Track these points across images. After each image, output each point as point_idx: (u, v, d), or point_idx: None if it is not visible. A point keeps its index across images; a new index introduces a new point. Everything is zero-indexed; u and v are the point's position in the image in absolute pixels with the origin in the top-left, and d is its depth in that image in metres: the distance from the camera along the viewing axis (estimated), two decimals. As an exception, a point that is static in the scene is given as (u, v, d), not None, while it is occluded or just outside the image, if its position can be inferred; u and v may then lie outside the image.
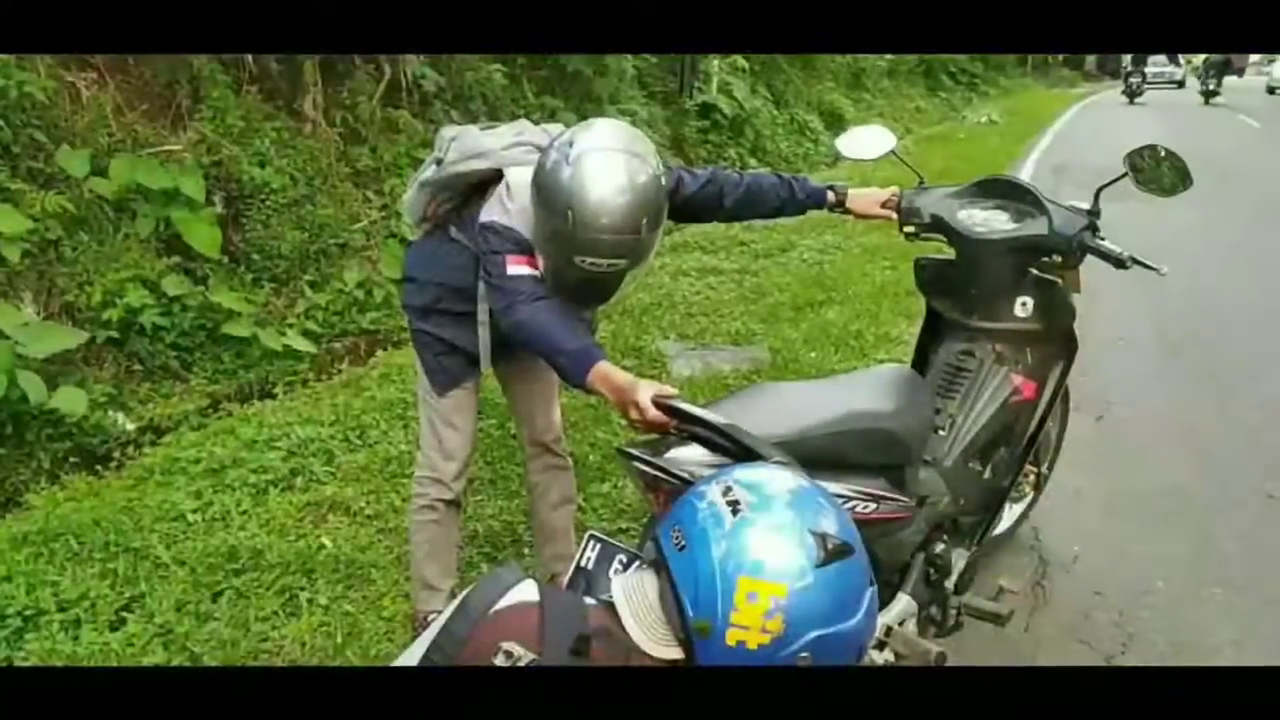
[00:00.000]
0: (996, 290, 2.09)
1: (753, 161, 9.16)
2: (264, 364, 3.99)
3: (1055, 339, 2.14)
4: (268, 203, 4.48)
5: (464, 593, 1.04)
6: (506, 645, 0.94)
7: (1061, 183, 8.39)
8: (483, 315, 1.93)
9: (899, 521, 1.81)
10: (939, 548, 1.98)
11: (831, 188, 2.13)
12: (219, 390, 3.78)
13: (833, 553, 0.98)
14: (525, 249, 1.72)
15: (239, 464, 3.04)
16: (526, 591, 1.02)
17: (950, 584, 1.98)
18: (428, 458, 2.11)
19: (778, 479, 1.06)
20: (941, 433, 2.04)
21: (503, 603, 1.01)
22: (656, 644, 1.00)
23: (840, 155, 2.61)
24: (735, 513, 0.99)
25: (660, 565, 1.02)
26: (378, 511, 2.80)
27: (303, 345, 4.12)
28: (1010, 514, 2.57)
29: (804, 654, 0.96)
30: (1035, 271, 2.05)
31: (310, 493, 2.91)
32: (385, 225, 5.06)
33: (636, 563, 1.14)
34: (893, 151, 2.26)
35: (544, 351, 1.66)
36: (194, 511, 2.76)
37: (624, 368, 1.62)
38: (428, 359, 2.05)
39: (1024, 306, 2.08)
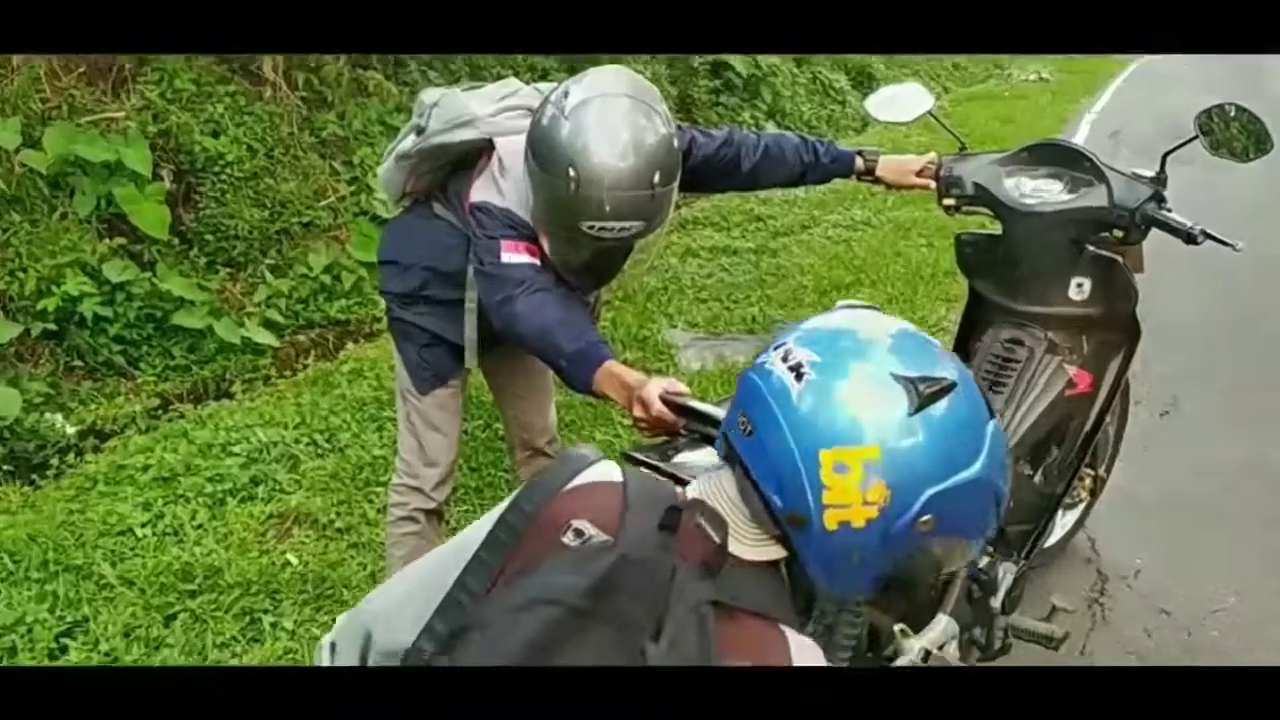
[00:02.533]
0: (1049, 270, 2.08)
1: (770, 126, 9.14)
2: (220, 359, 3.99)
3: (1115, 325, 2.13)
4: (223, 177, 4.48)
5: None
6: (578, 523, 0.93)
7: (1121, 147, 8.36)
8: (471, 303, 1.93)
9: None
10: (984, 561, 1.98)
11: (860, 153, 2.13)
12: (169, 389, 3.79)
13: (928, 395, 0.92)
14: (522, 232, 1.72)
15: (193, 471, 3.05)
16: (607, 471, 1.01)
17: (996, 602, 1.97)
18: (406, 463, 2.12)
19: (844, 325, 1.00)
20: (986, 431, 2.04)
21: (579, 480, 0.99)
22: (750, 547, 0.98)
23: (870, 118, 2.60)
24: (800, 378, 0.94)
25: (734, 459, 1.00)
26: (349, 524, 2.81)
27: (263, 338, 4.13)
28: (1064, 522, 2.57)
29: (925, 518, 0.92)
30: (1093, 248, 2.05)
31: (273, 503, 2.92)
32: (355, 202, 5.06)
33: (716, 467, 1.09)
34: (929, 113, 2.26)
35: (542, 352, 1.66)
36: (143, 525, 2.77)
37: (625, 362, 1.63)
38: (409, 352, 2.05)
39: (1080, 288, 2.08)
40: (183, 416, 3.53)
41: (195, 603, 2.45)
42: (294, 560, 2.63)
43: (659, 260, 5.17)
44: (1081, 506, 2.64)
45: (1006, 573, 2.02)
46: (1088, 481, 2.57)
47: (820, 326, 1.01)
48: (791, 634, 0.93)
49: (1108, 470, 2.66)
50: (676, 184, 1.68)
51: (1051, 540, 2.47)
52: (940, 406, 0.92)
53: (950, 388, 0.93)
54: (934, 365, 0.95)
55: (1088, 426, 2.19)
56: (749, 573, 0.97)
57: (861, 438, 0.91)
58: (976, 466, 0.94)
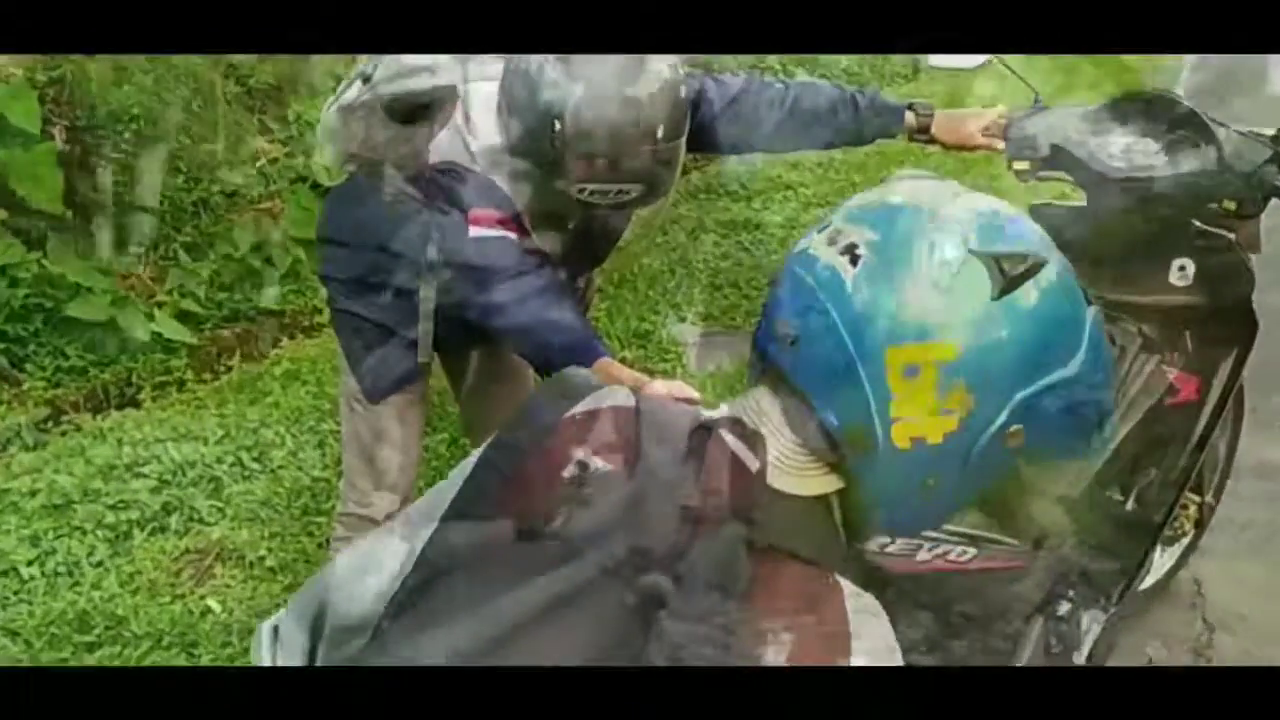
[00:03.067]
0: (1144, 250, 2.09)
1: (801, 73, 9.16)
2: (124, 359, 4.00)
3: (1225, 317, 2.14)
4: (128, 135, 4.48)
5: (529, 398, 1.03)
6: (581, 455, 0.91)
7: (1234, 98, 8.36)
8: (427, 290, 1.93)
9: (1008, 572, 1.82)
10: (1064, 608, 1.98)
11: (912, 107, 2.13)
12: (62, 395, 3.80)
13: (1014, 276, 0.89)
14: (495, 200, 1.73)
15: (91, 497, 3.05)
16: (616, 394, 1.00)
17: (1081, 657, 1.98)
18: (355, 488, 2.12)
19: (906, 197, 0.97)
20: (1067, 448, 2.04)
21: (581, 407, 0.98)
22: (795, 478, 0.96)
23: (924, 64, 2.60)
24: (855, 262, 0.92)
25: (773, 375, 0.98)
26: (284, 562, 2.81)
27: (177, 332, 4.13)
28: (1162, 561, 2.58)
29: (1014, 429, 0.90)
30: (1198, 224, 2.05)
31: (190, 537, 2.93)
32: (291, 166, 5.07)
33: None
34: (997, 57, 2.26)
35: (522, 348, 1.67)
36: (30, 563, 2.77)
37: (623, 361, 1.63)
38: (357, 351, 2.06)
39: (1182, 272, 2.08)
40: (79, 429, 3.53)
41: (95, 658, 2.45)
42: (215, 607, 2.63)
43: (663, 236, 5.18)
44: (1185, 541, 2.65)
45: (1093, 621, 2.02)
46: (1192, 510, 2.57)
47: (875, 200, 0.99)
48: (848, 586, 0.91)
49: (1216, 497, 2.66)
50: (684, 141, 1.69)
51: (1148, 582, 2.48)
52: (1030, 290, 0.90)
53: (1040, 266, 0.91)
54: (1020, 239, 0.94)
55: (1192, 443, 2.19)
56: (794, 508, 0.95)
57: (935, 331, 0.88)
58: (1075, 364, 0.92)
